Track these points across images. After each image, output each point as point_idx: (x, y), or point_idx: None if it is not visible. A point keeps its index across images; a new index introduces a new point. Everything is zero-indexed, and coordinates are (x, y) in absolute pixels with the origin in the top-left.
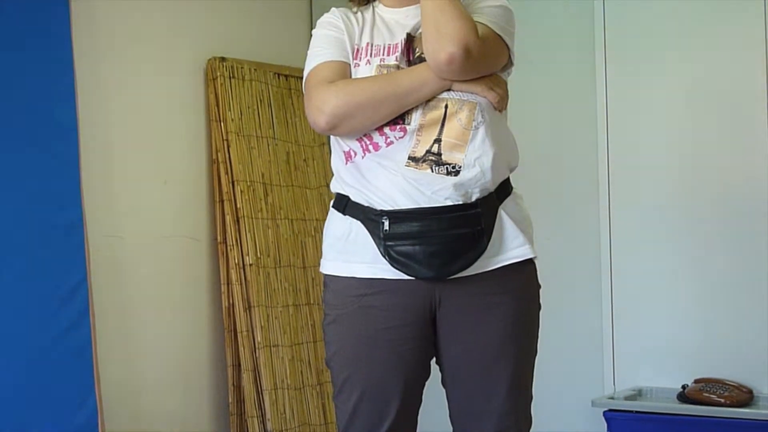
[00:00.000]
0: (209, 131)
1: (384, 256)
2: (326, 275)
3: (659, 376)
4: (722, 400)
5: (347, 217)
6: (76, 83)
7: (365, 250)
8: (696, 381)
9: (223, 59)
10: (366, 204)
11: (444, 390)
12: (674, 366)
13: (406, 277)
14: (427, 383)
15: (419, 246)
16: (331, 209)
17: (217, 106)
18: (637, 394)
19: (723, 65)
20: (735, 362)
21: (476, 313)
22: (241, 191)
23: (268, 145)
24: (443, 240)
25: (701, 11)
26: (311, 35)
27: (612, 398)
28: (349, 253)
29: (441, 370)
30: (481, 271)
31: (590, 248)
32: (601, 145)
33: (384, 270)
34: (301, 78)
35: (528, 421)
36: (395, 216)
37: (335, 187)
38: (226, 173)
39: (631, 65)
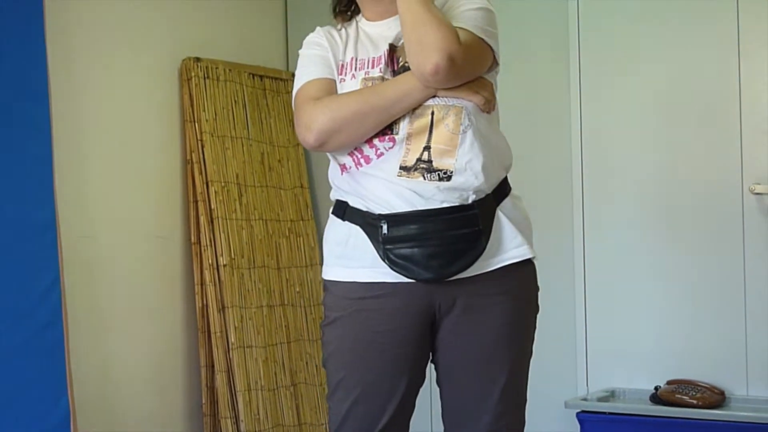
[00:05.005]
0: (183, 131)
1: (384, 260)
2: (326, 280)
3: (632, 377)
4: (694, 402)
5: (346, 222)
6: (49, 83)
7: (365, 255)
8: (669, 382)
9: (197, 59)
10: (364, 209)
11: (436, 392)
12: (647, 367)
13: (406, 279)
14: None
15: (418, 248)
16: (331, 215)
17: (192, 106)
18: (610, 396)
19: (697, 65)
20: (707, 364)
21: (475, 313)
22: (216, 192)
23: (243, 145)
24: (442, 241)
25: (675, 11)
26: (287, 36)
27: (585, 399)
28: (349, 258)
29: (436, 369)
30: (480, 272)
31: (564, 249)
32: (575, 145)
33: (384, 273)
34: (276, 78)
35: (521, 423)
36: (393, 219)
37: (334, 194)
38: (201, 174)
39: (605, 65)
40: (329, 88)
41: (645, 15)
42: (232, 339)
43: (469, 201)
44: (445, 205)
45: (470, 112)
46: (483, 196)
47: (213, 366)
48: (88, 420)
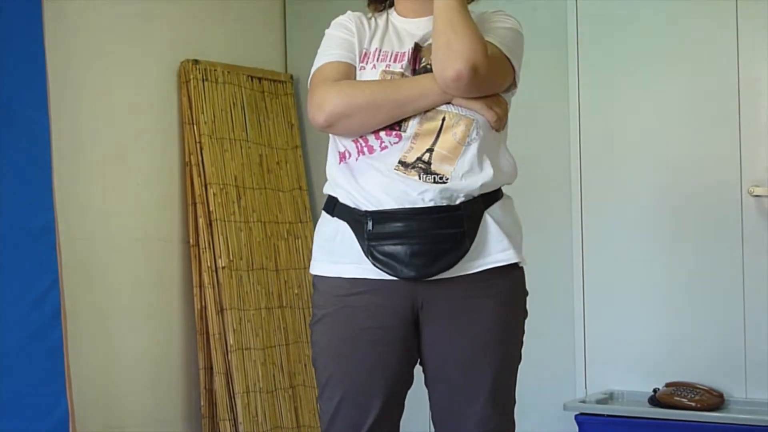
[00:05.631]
0: (182, 134)
1: (367, 256)
2: (314, 276)
3: (631, 379)
4: (693, 404)
5: (335, 218)
6: (48, 85)
7: (351, 251)
8: (667, 385)
9: (196, 62)
10: (353, 205)
11: (425, 393)
12: (646, 370)
13: (389, 277)
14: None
15: (401, 246)
16: (322, 212)
17: (190, 108)
18: (609, 398)
19: (695, 68)
20: (706, 366)
21: (458, 315)
22: (214, 194)
23: (241, 147)
24: (425, 240)
25: (675, 14)
26: (285, 38)
27: (584, 402)
28: (336, 254)
29: (423, 371)
30: (463, 273)
31: (562, 251)
32: (574, 147)
33: (368, 270)
34: (275, 80)
35: (511, 425)
36: (379, 216)
37: (327, 189)
38: (199, 176)
39: (604, 67)
40: (348, 72)
41: (644, 17)
42: (230, 341)
43: (457, 202)
44: (432, 204)
45: (480, 126)
46: (471, 198)
47: (211, 368)
48: (87, 421)
